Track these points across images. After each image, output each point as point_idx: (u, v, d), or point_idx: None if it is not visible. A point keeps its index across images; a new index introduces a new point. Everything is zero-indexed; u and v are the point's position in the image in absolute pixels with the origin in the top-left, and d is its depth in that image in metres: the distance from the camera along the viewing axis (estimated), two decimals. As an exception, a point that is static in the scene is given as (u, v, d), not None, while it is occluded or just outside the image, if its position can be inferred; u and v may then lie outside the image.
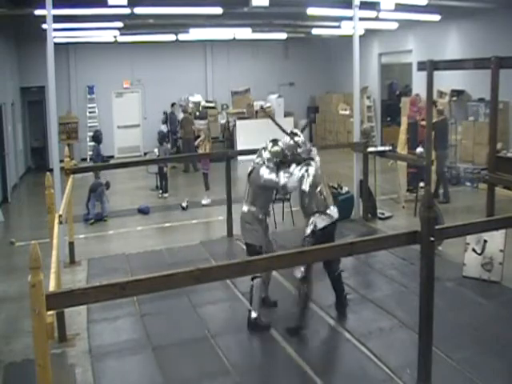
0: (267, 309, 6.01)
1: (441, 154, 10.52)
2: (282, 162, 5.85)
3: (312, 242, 5.58)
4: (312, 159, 5.82)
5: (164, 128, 15.96)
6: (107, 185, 10.94)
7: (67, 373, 4.94)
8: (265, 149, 5.91)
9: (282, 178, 5.69)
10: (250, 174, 5.84)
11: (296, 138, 5.86)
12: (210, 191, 11.58)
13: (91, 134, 17.53)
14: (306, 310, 5.69)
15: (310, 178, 5.68)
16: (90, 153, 14.63)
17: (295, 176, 5.71)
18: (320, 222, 5.66)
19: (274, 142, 5.89)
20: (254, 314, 5.66)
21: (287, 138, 5.90)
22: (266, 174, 5.68)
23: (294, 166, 5.82)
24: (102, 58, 17.79)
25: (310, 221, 5.70)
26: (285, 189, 5.78)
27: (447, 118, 11.57)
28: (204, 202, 11.45)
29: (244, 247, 8.08)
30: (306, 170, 5.71)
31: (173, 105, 16.83)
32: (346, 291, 6.09)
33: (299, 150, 5.82)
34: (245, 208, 5.88)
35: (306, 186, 5.66)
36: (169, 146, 14.71)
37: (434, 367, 4.27)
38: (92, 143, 12.65)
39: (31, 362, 3.46)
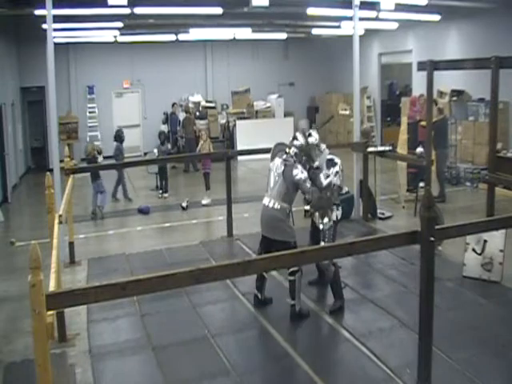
0: (264, 307, 6.06)
1: (440, 154, 10.51)
2: (307, 160, 6.00)
3: (333, 233, 5.95)
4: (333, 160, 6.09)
5: (164, 128, 15.95)
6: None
7: (67, 373, 4.93)
8: (289, 146, 5.97)
9: (323, 179, 5.85)
10: (283, 171, 5.77)
11: (311, 139, 6.02)
12: (210, 191, 11.57)
13: (92, 134, 17.70)
14: (340, 288, 6.07)
15: (341, 174, 6.05)
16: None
17: (331, 172, 5.94)
18: (339, 214, 6.07)
19: (309, 135, 6.03)
20: (297, 307, 5.81)
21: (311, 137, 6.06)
22: (298, 173, 5.73)
23: (324, 167, 5.99)
24: (102, 58, 17.79)
25: (329, 212, 5.96)
26: (327, 188, 5.85)
27: (447, 117, 11.57)
28: (204, 201, 11.45)
29: (244, 247, 8.18)
30: (339, 166, 6.04)
31: (173, 105, 16.83)
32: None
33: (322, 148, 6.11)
34: (275, 204, 5.76)
35: (339, 181, 6.00)
36: (169, 145, 14.68)
37: (433, 367, 4.27)
38: (114, 142, 12.46)
39: (31, 361, 3.46)
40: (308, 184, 5.76)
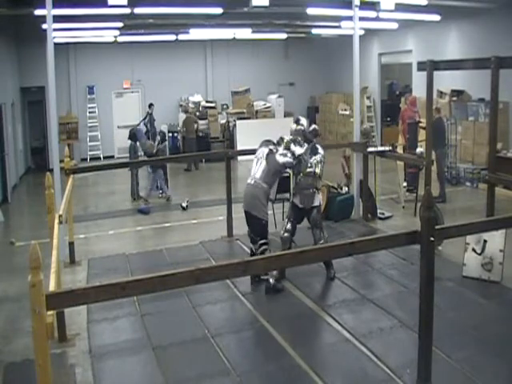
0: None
1: (439, 153, 10.50)
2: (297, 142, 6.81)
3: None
4: (317, 149, 6.75)
5: (143, 128, 15.21)
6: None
7: (67, 373, 4.93)
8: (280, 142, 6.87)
9: (298, 149, 6.67)
10: (267, 156, 6.62)
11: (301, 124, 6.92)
12: (209, 191, 11.51)
13: (92, 134, 17.71)
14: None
15: (323, 165, 6.69)
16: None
17: (313, 160, 6.64)
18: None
19: (297, 122, 6.96)
20: (271, 281, 6.44)
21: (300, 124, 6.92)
22: (280, 159, 6.60)
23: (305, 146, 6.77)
24: (102, 58, 17.79)
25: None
26: (299, 158, 6.64)
27: (442, 117, 11.53)
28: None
29: (244, 247, 8.19)
30: (322, 157, 6.68)
31: (150, 106, 16.41)
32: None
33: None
34: (255, 183, 6.54)
35: (319, 171, 6.63)
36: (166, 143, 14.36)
37: (433, 367, 4.27)
38: (128, 141, 12.42)
39: (31, 361, 3.46)
40: (292, 163, 6.64)
